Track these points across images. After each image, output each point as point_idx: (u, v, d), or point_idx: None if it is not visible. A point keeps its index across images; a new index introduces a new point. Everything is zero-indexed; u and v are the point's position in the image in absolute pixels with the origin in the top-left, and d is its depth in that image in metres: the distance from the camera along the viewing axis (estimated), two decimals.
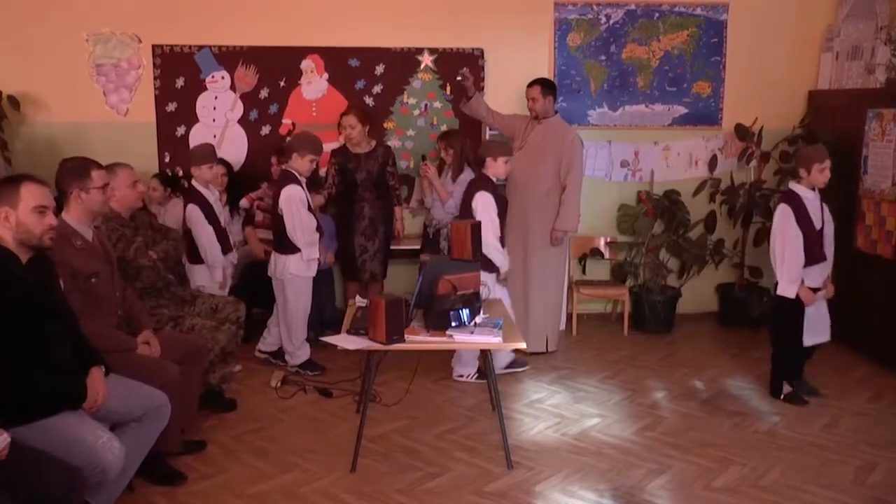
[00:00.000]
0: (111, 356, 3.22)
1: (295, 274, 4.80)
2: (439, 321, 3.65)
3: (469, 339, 3.61)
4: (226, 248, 4.84)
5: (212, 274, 4.79)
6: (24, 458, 2.55)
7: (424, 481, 3.61)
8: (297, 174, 4.76)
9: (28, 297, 2.82)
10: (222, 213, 4.93)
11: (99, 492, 2.98)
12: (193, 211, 4.70)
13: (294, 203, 4.70)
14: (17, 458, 2.52)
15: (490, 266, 4.65)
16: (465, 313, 3.69)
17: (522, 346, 3.68)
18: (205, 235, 4.70)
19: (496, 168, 4.76)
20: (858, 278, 5.41)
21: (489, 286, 4.45)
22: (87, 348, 3.10)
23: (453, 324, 3.64)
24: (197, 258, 4.77)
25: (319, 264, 4.96)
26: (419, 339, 3.61)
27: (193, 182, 4.78)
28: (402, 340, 3.55)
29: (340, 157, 5.26)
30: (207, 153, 4.81)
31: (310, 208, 4.81)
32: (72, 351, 2.98)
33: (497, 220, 4.73)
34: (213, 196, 4.82)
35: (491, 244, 4.61)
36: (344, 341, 3.62)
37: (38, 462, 2.58)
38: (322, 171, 5.49)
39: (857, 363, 5.29)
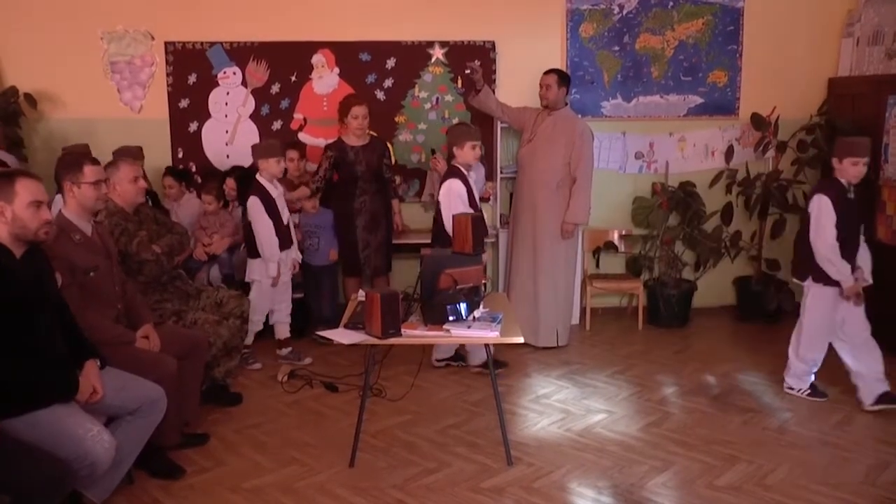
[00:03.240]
0: (108, 349, 3.26)
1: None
2: (437, 315, 3.62)
3: (466, 334, 3.58)
4: (286, 243, 4.84)
5: (267, 268, 4.78)
6: (11, 450, 2.58)
7: (421, 477, 3.59)
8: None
9: (21, 291, 2.85)
10: (285, 209, 4.91)
11: (92, 484, 3.02)
12: (254, 203, 4.71)
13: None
14: (3, 450, 2.55)
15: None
16: (463, 307, 3.66)
17: (520, 340, 3.63)
18: (264, 228, 4.71)
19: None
20: (879, 270, 5.24)
21: None
22: (82, 342, 3.13)
23: (451, 318, 3.61)
24: (255, 252, 4.79)
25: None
26: (416, 334, 3.58)
27: (258, 176, 4.77)
28: (399, 334, 3.53)
29: (337, 151, 5.21)
30: (274, 146, 4.82)
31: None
32: (65, 344, 3.02)
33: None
34: (277, 191, 4.82)
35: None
36: (340, 336, 3.60)
37: (25, 454, 2.61)
38: (295, 166, 5.52)
39: None
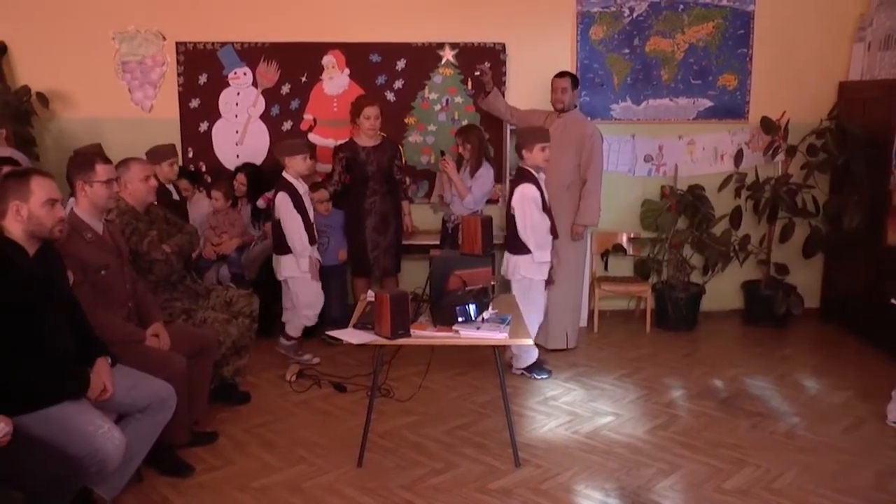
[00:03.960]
0: (118, 347, 3.28)
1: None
2: (446, 316, 3.63)
3: (475, 335, 3.58)
4: (312, 239, 4.83)
5: (299, 263, 4.79)
6: (22, 447, 2.60)
7: (429, 477, 3.60)
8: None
9: (33, 288, 2.87)
10: (311, 206, 4.90)
11: (102, 481, 3.04)
12: (283, 200, 4.71)
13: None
14: (14, 446, 2.57)
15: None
16: (471, 308, 3.66)
17: (530, 342, 3.64)
18: (293, 223, 4.71)
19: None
20: (890, 276, 5.24)
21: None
22: (93, 339, 3.16)
23: (459, 319, 3.62)
24: (283, 249, 4.80)
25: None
26: (425, 334, 3.59)
27: (284, 173, 4.78)
28: (408, 335, 3.54)
29: (348, 152, 5.22)
30: (300, 144, 4.85)
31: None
32: (77, 342, 3.04)
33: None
34: (304, 188, 4.83)
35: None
36: (349, 336, 3.62)
37: (36, 450, 2.63)
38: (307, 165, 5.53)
39: (887, 363, 5.13)
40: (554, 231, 4.75)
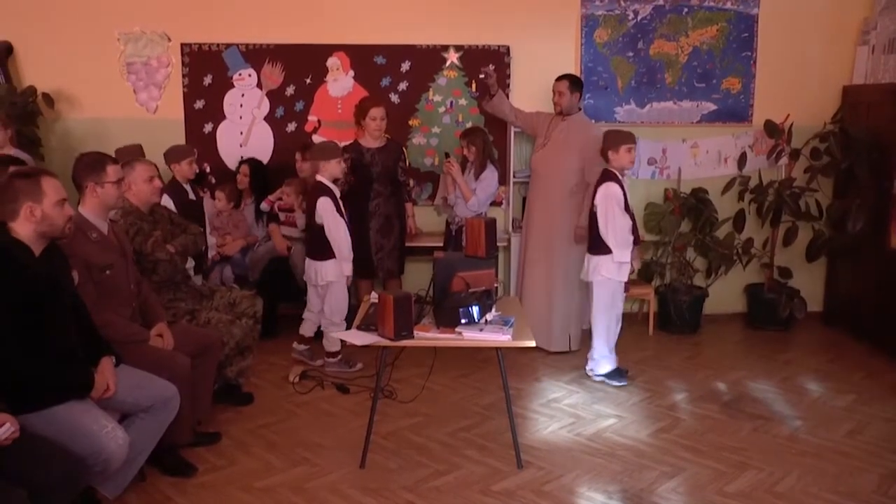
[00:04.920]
0: (122, 347, 3.29)
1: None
2: (449, 318, 3.64)
3: (478, 337, 3.58)
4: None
5: (342, 267, 4.74)
6: (27, 445, 2.61)
7: (432, 479, 3.60)
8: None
9: (39, 288, 2.88)
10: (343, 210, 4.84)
11: (105, 480, 3.05)
12: (326, 204, 4.65)
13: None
14: (20, 445, 2.58)
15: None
16: (475, 310, 3.67)
17: (532, 344, 3.64)
18: (338, 228, 4.67)
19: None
20: (893, 280, 5.24)
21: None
22: (97, 339, 3.17)
23: (463, 321, 3.62)
24: (323, 254, 4.74)
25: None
26: (428, 336, 3.60)
27: (318, 176, 4.74)
28: (411, 336, 3.54)
29: (354, 153, 5.22)
30: (336, 147, 4.80)
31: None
32: (81, 341, 3.05)
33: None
34: (338, 192, 4.78)
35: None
36: (353, 337, 3.63)
37: (40, 449, 2.64)
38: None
39: (890, 367, 5.13)
40: (636, 233, 4.70)
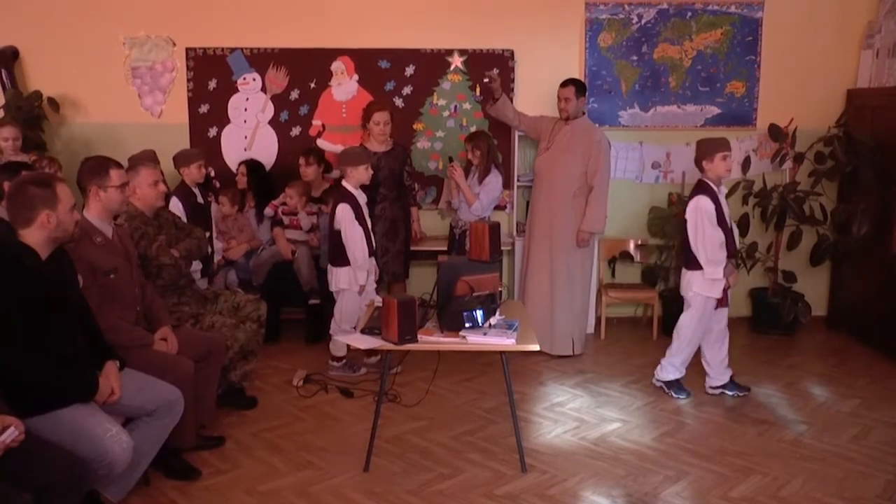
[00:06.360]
0: (127, 351, 3.30)
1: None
2: (453, 322, 3.64)
3: (482, 341, 3.58)
4: (370, 251, 4.76)
5: (356, 276, 4.71)
6: (32, 449, 2.62)
7: (436, 482, 3.60)
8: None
9: (45, 292, 2.89)
10: (368, 217, 4.82)
11: (110, 483, 3.06)
12: (344, 211, 4.63)
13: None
14: (24, 448, 2.59)
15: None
16: (479, 314, 3.67)
17: (536, 348, 3.63)
18: (355, 235, 4.65)
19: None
20: None
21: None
22: (102, 343, 3.18)
23: (467, 324, 3.63)
24: (339, 260, 4.73)
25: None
26: (432, 340, 3.60)
27: (344, 182, 4.72)
28: (415, 340, 3.54)
29: None
30: (363, 154, 4.78)
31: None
32: (86, 345, 3.06)
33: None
34: (363, 199, 4.75)
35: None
36: (357, 340, 3.63)
37: (45, 453, 2.65)
38: (314, 171, 5.59)
39: (894, 372, 5.11)
40: (730, 247, 4.48)
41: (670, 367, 4.70)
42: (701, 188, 4.46)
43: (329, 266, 4.85)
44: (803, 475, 3.68)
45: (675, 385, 4.69)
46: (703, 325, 4.59)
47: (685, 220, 4.51)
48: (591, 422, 4.31)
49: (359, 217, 4.70)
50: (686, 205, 4.55)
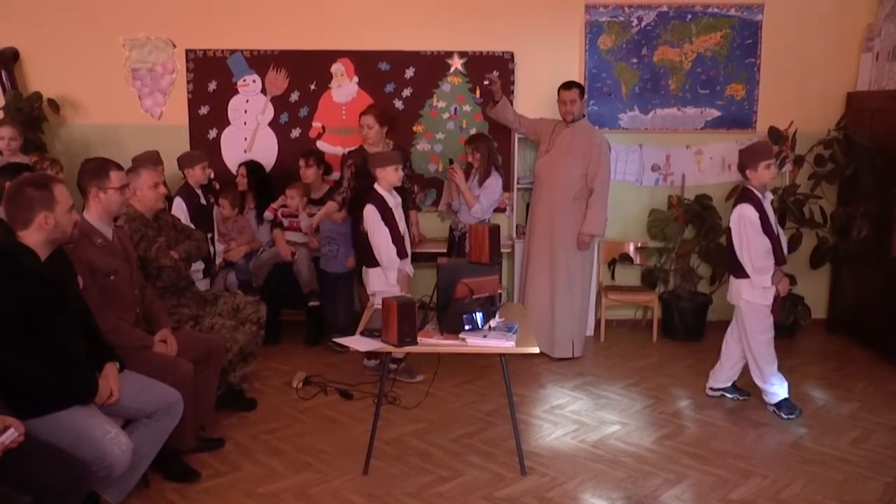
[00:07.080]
0: (126, 353, 3.30)
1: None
2: (453, 324, 3.64)
3: (482, 343, 3.58)
4: (402, 253, 4.71)
5: (387, 276, 4.68)
6: (31, 450, 2.62)
7: (435, 485, 3.59)
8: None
9: (44, 293, 2.89)
10: (402, 219, 4.78)
11: (109, 485, 3.06)
12: (371, 212, 4.61)
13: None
14: (24, 450, 2.59)
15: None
16: (478, 316, 3.67)
17: (536, 350, 3.63)
18: (380, 236, 4.61)
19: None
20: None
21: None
22: (102, 344, 3.18)
23: (466, 327, 3.62)
24: (369, 261, 4.71)
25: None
26: (432, 342, 3.60)
27: (376, 185, 4.67)
28: (415, 343, 3.54)
29: (358, 159, 5.21)
30: (394, 155, 4.74)
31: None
32: (85, 347, 3.05)
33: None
34: (395, 201, 4.70)
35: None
36: (357, 343, 3.62)
37: (44, 454, 2.65)
38: (313, 173, 5.59)
39: (894, 375, 5.11)
40: (778, 254, 4.37)
41: (769, 389, 4.47)
42: (745, 196, 4.35)
43: (363, 268, 4.80)
44: (803, 478, 3.67)
45: (785, 406, 4.43)
46: (766, 330, 4.44)
47: (729, 229, 4.44)
48: (590, 424, 4.31)
49: (386, 218, 4.64)
50: (731, 211, 4.44)
